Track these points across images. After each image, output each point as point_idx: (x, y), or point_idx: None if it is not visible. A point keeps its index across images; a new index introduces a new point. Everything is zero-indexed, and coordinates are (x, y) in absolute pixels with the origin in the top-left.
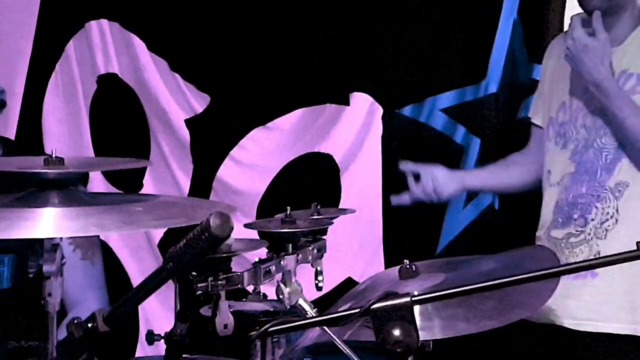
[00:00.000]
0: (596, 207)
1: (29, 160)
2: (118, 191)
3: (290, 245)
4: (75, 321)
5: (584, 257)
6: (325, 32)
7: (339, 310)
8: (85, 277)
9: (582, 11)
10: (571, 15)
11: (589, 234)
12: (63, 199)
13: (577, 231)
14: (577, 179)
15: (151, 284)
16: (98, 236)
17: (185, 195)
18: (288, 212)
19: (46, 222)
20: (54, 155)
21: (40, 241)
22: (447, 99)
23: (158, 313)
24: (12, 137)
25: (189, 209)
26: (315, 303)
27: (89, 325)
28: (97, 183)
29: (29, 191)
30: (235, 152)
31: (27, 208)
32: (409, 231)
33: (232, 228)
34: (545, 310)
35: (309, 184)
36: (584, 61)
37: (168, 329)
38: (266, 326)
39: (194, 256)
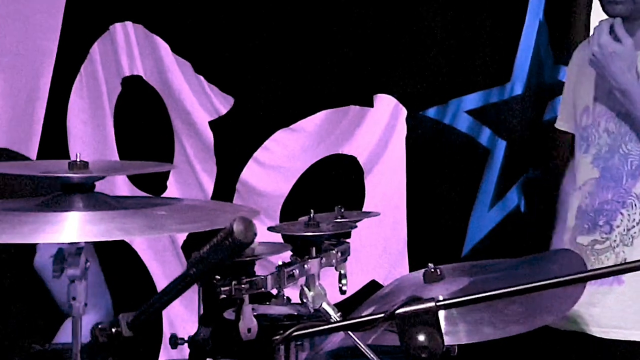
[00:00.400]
0: (622, 214)
1: (53, 164)
2: (142, 193)
3: (314, 248)
4: (100, 326)
5: (610, 264)
6: (349, 33)
7: (362, 314)
8: None
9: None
10: (599, 21)
11: (615, 240)
12: (87, 203)
13: (602, 238)
14: (602, 184)
15: (175, 289)
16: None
17: (209, 198)
18: (312, 215)
19: (71, 226)
20: (78, 160)
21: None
22: (472, 100)
23: (182, 317)
24: (38, 139)
25: (213, 212)
26: (338, 306)
27: (113, 330)
28: (121, 185)
29: (54, 195)
30: (259, 153)
31: (51, 212)
32: (434, 234)
33: (256, 233)
34: (570, 317)
35: (333, 186)
36: (610, 67)
37: (191, 333)
38: (290, 330)
39: (218, 261)
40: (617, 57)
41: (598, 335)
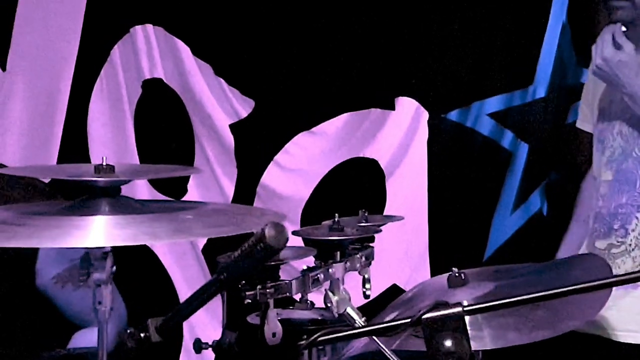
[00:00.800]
0: (637, 218)
1: (79, 168)
2: (162, 196)
3: (339, 252)
4: (128, 331)
5: (627, 268)
6: (371, 35)
7: (385, 319)
8: (86, 301)
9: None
10: (603, 30)
11: (630, 244)
12: (113, 207)
13: (618, 242)
14: (617, 188)
15: (204, 295)
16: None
17: (229, 201)
18: (336, 219)
19: (97, 230)
20: (104, 163)
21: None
22: (494, 103)
23: (203, 321)
24: (58, 142)
25: (239, 216)
26: (359, 310)
27: (142, 335)
28: (141, 188)
29: (80, 199)
30: (279, 157)
31: (77, 216)
32: (456, 238)
33: (288, 239)
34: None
35: (354, 189)
36: (618, 76)
37: (213, 337)
38: (315, 335)
39: (248, 267)
40: (622, 65)
41: (613, 339)
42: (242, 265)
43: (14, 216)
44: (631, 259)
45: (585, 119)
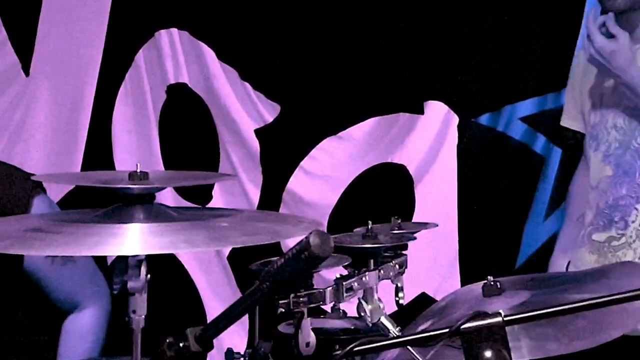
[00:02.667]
0: (636, 209)
1: (112, 175)
2: (187, 203)
3: (372, 261)
4: (168, 340)
5: (627, 259)
6: (399, 38)
7: (419, 328)
8: (74, 279)
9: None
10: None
11: (631, 236)
12: (148, 215)
13: (618, 234)
14: (616, 181)
15: (244, 305)
16: None
17: (254, 208)
18: (369, 227)
19: (132, 238)
20: (138, 170)
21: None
22: (526, 107)
23: (230, 329)
24: (83, 148)
25: (275, 224)
26: None
27: (181, 344)
28: (166, 194)
29: (114, 206)
30: (305, 162)
31: (113, 224)
32: (486, 245)
33: (333, 247)
34: None
35: (382, 195)
36: (612, 65)
37: (240, 346)
38: (351, 345)
39: (292, 276)
40: (616, 55)
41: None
42: (285, 275)
43: (48, 224)
44: (632, 250)
45: (570, 117)
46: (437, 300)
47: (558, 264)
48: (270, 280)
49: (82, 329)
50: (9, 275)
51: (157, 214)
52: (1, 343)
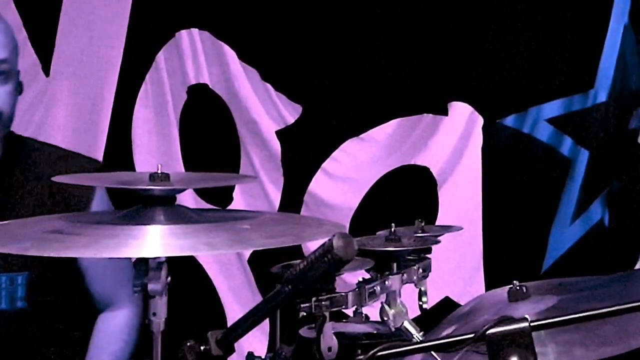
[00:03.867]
0: None
1: (133, 176)
2: (207, 204)
3: (395, 264)
4: (189, 344)
5: None
6: (423, 38)
7: (442, 333)
8: (116, 275)
9: None
10: None
11: None
12: (169, 216)
13: None
14: None
15: (267, 308)
16: None
17: (275, 210)
18: (393, 230)
19: (153, 240)
20: (159, 172)
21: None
22: (552, 108)
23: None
24: (103, 149)
25: (297, 227)
26: None
27: (202, 348)
28: (186, 196)
29: (134, 208)
30: (327, 164)
31: (133, 225)
32: (512, 249)
33: (357, 250)
34: None
35: (405, 198)
36: None
37: (260, 348)
38: (374, 350)
39: (314, 279)
40: None
41: None
42: (308, 278)
43: (69, 225)
44: None
45: None
46: (461, 305)
47: None
48: (293, 283)
49: (115, 329)
50: (61, 262)
51: (178, 216)
52: (35, 335)
